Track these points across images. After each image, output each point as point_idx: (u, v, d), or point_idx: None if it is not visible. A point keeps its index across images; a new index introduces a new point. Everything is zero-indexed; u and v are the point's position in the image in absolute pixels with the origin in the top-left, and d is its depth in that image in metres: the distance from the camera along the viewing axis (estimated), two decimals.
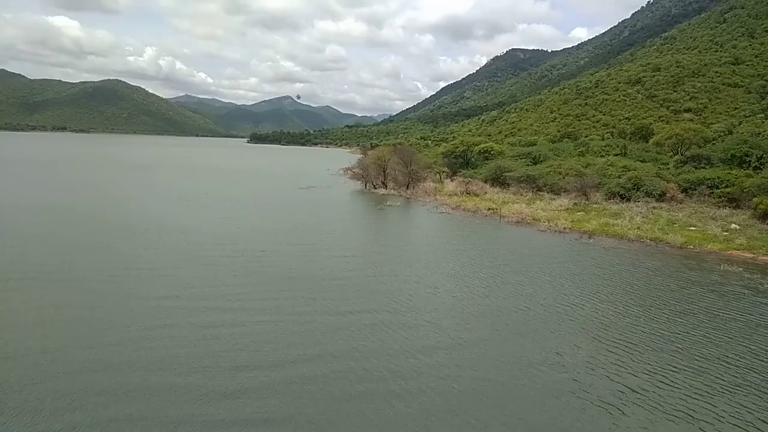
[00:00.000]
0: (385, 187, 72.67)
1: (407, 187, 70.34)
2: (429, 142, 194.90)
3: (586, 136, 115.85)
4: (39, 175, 76.77)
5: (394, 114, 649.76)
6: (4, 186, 60.21)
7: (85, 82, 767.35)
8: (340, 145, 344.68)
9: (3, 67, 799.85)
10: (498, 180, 69.02)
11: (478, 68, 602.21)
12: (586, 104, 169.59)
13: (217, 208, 49.84)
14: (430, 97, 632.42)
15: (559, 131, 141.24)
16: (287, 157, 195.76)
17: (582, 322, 21.09)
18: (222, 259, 28.94)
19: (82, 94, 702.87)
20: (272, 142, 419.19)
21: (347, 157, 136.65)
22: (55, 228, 36.12)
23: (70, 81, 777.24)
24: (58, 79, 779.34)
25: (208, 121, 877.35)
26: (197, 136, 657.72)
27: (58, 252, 29.26)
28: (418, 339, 18.82)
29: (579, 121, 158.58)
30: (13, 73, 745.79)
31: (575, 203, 53.95)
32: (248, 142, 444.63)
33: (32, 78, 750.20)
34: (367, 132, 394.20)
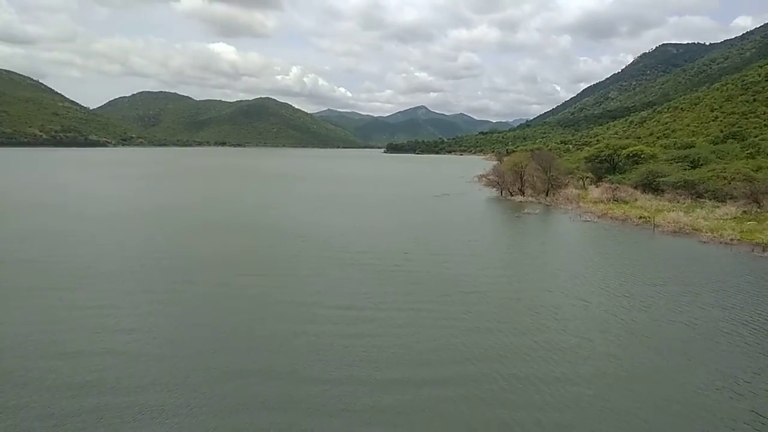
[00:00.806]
0: (523, 194, 70.41)
1: (546, 194, 67.47)
2: (570, 146, 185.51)
3: (756, 136, 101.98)
4: (203, 185, 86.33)
5: (531, 118, 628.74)
6: (178, 192, 68.61)
7: (241, 100, 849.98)
8: (474, 152, 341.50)
9: (175, 91, 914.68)
10: (650, 186, 63.36)
11: (624, 67, 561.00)
12: (754, 100, 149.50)
13: (356, 214, 51.95)
14: (570, 99, 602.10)
15: (721, 131, 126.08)
16: (421, 165, 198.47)
17: (759, 346, 18.45)
18: (359, 267, 29.80)
19: (239, 112, 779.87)
20: (407, 151, 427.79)
21: (482, 164, 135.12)
22: (204, 232, 40.19)
23: (228, 100, 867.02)
24: (218, 99, 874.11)
25: (347, 133, 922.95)
26: (338, 147, 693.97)
27: (202, 256, 32.44)
28: (569, 363, 17.25)
29: (746, 119, 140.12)
30: (183, 95, 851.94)
31: (744, 211, 47.64)
32: (384, 152, 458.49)
33: (198, 99, 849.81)
34: (502, 138, 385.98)
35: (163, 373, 15.81)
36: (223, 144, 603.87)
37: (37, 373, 15.55)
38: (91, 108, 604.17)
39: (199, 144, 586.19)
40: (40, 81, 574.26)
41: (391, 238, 38.66)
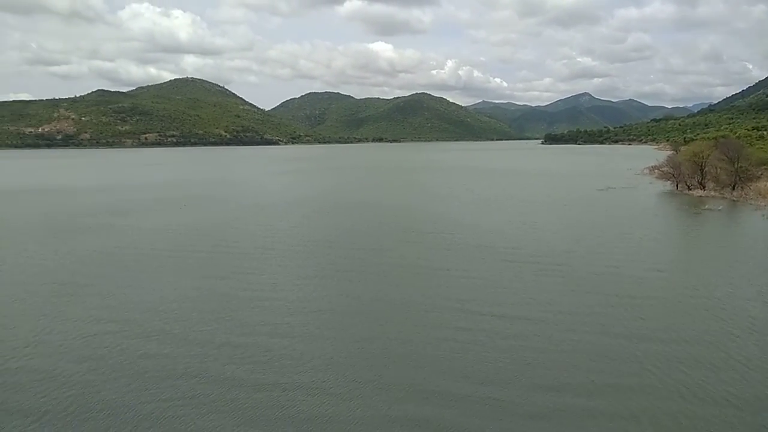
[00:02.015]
0: (703, 187, 62.55)
1: (733, 188, 59.14)
2: (764, 132, 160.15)
3: None
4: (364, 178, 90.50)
5: (715, 102, 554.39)
6: (338, 185, 72.92)
7: (397, 97, 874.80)
8: (645, 142, 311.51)
9: (337, 91, 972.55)
10: None
11: None
12: None
13: (513, 209, 50.44)
14: (766, 78, 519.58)
15: None
16: (582, 157, 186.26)
17: None
18: (516, 265, 28.93)
19: (395, 108, 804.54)
20: (567, 141, 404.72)
21: (653, 154, 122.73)
22: (354, 227, 41.87)
23: (386, 98, 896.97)
24: (376, 96, 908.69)
25: (502, 124, 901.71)
26: (491, 140, 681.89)
27: (349, 250, 33.73)
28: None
29: None
30: (345, 95, 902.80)
31: None
32: (542, 143, 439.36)
33: (358, 98, 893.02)
34: (679, 125, 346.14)
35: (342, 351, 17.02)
36: (380, 140, 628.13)
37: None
38: (266, 109, 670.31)
39: (358, 141, 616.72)
40: (226, 87, 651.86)
41: (551, 235, 36.93)
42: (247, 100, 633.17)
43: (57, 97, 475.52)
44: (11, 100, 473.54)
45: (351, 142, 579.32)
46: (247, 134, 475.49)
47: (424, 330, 19.39)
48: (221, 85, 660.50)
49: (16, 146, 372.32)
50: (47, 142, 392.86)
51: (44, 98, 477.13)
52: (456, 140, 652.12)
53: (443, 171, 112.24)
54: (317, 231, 39.33)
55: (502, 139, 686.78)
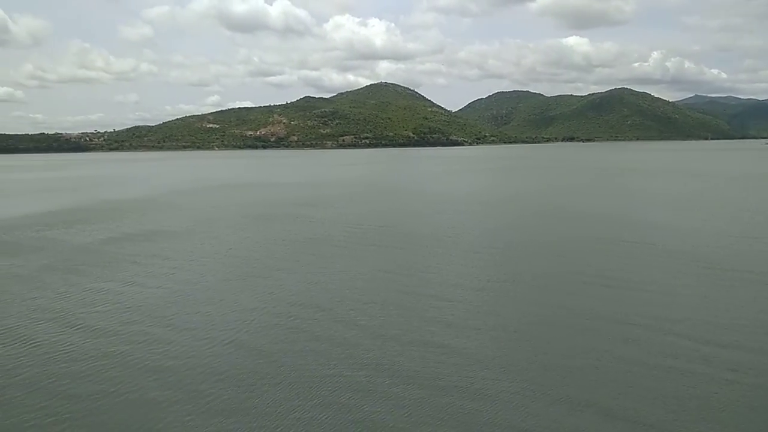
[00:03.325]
0: None
1: None
2: None
3: None
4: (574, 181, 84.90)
5: None
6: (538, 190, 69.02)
7: (593, 93, 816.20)
8: None
9: (526, 89, 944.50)
10: None
11: None
12: None
13: (741, 222, 41.79)
14: None
15: None
16: None
17: None
18: (732, 290, 23.19)
19: (589, 106, 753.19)
20: None
21: None
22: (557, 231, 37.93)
23: (579, 94, 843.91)
24: (569, 94, 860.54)
25: (719, 121, 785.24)
26: (705, 138, 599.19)
27: (540, 256, 30.20)
28: None
29: None
30: (534, 93, 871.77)
31: None
32: None
33: (548, 96, 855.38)
34: None
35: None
36: (572, 139, 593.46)
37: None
38: (453, 111, 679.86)
39: (546, 140, 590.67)
40: (415, 90, 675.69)
41: None
42: (435, 102, 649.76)
43: (272, 104, 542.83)
44: (237, 107, 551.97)
45: (538, 142, 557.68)
46: (434, 135, 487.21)
47: (617, 347, 16.89)
48: (411, 88, 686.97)
49: (239, 147, 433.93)
50: (263, 143, 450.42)
51: (262, 105, 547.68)
52: (660, 139, 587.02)
53: (653, 174, 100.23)
54: (501, 232, 36.86)
55: (717, 139, 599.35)
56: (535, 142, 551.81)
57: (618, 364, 15.99)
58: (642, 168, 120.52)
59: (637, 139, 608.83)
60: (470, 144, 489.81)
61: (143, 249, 33.73)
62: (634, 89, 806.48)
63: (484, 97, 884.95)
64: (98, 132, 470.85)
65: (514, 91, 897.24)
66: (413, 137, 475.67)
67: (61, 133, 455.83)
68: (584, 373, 15.48)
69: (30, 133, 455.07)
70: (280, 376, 15.48)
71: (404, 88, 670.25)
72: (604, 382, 14.87)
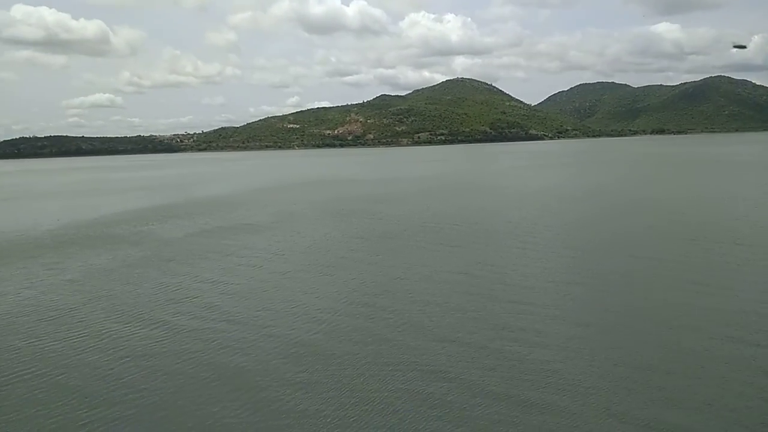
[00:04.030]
0: None
1: None
2: None
3: None
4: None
5: None
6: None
7: (685, 83, 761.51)
8: None
9: (611, 80, 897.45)
10: None
11: None
12: None
13: None
14: None
15: None
16: None
17: None
18: None
19: (681, 96, 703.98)
20: None
21: None
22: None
23: (670, 84, 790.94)
24: (658, 84, 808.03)
25: None
26: None
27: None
28: None
29: None
30: (620, 83, 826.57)
31: None
32: None
33: (635, 86, 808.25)
34: None
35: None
36: (662, 132, 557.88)
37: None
38: (532, 104, 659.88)
39: (633, 133, 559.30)
40: (493, 84, 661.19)
41: None
42: (513, 96, 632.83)
43: (348, 103, 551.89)
44: (315, 107, 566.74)
45: (625, 135, 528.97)
46: (512, 130, 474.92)
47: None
48: (488, 83, 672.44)
49: (318, 146, 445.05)
50: (340, 141, 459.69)
51: (339, 104, 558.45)
52: (764, 130, 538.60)
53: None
54: (592, 229, 35.04)
55: None
56: (621, 135, 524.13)
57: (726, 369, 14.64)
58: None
59: (736, 130, 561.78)
60: (551, 138, 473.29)
61: (232, 243, 35.27)
62: (732, 77, 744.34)
63: (566, 89, 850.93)
64: (188, 134, 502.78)
65: (598, 82, 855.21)
66: (490, 132, 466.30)
67: (155, 135, 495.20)
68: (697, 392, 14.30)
69: (128, 136, 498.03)
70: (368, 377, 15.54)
71: (481, 82, 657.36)
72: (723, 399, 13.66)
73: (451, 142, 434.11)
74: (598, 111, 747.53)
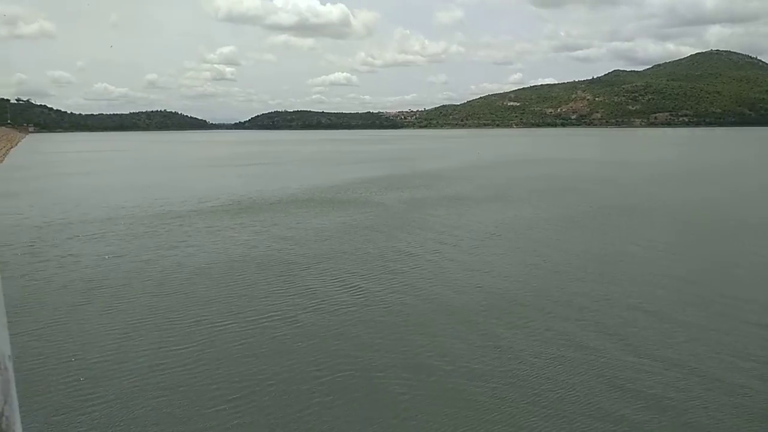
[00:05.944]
0: None
1: None
2: None
3: None
4: None
5: None
6: None
7: None
8: None
9: None
10: None
11: None
12: None
13: None
14: None
15: None
16: None
17: None
18: None
19: None
20: None
21: None
22: None
23: None
24: None
25: None
26: None
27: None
28: None
29: None
30: None
31: None
32: None
33: None
34: None
35: None
36: None
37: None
38: None
39: None
40: (758, 58, 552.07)
41: None
42: None
43: (576, 80, 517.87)
44: (539, 84, 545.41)
45: None
46: None
47: None
48: (752, 55, 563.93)
49: (537, 125, 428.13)
50: (562, 121, 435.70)
51: (565, 81, 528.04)
52: None
53: None
54: None
55: None
56: None
57: None
58: None
59: None
60: None
61: (446, 218, 34.70)
62: None
63: None
64: (411, 111, 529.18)
65: None
66: (750, 114, 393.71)
67: (382, 112, 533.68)
68: None
69: (359, 112, 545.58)
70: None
71: (742, 55, 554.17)
72: None
73: (697, 124, 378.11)
74: None
